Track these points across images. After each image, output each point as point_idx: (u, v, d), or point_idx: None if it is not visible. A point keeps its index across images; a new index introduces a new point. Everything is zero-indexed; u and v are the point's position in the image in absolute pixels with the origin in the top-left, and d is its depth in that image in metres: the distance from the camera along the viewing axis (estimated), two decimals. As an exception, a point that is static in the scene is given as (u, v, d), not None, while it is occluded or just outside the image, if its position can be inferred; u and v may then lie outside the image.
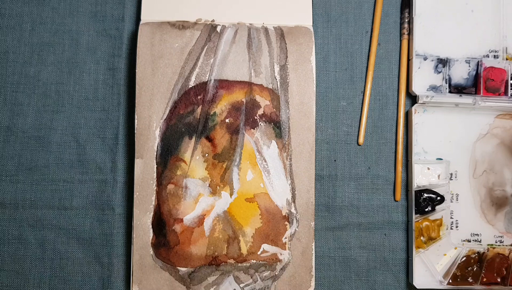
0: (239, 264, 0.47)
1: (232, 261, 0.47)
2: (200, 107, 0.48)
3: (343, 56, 0.53)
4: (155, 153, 0.47)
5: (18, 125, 0.51)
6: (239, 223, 0.47)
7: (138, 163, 0.47)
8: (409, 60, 0.52)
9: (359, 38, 0.53)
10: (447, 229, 0.50)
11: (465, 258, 0.50)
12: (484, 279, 0.49)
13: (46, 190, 0.50)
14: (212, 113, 0.48)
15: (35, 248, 0.50)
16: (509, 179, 0.51)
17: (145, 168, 0.47)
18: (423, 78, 0.51)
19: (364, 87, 0.53)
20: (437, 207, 0.50)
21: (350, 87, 0.53)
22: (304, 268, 0.47)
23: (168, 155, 0.47)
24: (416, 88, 0.51)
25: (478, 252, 0.50)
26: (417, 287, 0.49)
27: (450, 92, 0.51)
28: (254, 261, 0.47)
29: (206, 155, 0.47)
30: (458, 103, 0.50)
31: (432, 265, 0.50)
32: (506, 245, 0.51)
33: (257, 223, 0.47)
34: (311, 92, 0.48)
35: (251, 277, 0.47)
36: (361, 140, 0.52)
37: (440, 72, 0.51)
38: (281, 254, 0.47)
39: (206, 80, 0.48)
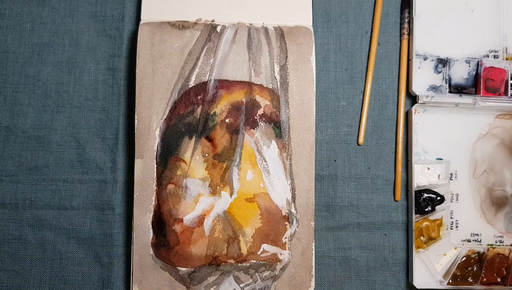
0: (239, 264, 0.47)
1: (232, 261, 0.47)
2: (200, 107, 0.48)
3: (343, 56, 0.53)
4: (155, 153, 0.47)
5: (18, 125, 0.51)
6: (239, 223, 0.47)
7: (138, 163, 0.47)
8: (409, 60, 0.52)
9: (359, 38, 0.53)
10: (447, 229, 0.50)
11: (465, 258, 0.50)
12: (484, 279, 0.49)
13: (46, 190, 0.50)
14: (212, 113, 0.48)
15: (35, 248, 0.50)
16: (509, 179, 0.51)
17: (145, 168, 0.47)
18: (423, 78, 0.51)
19: (364, 87, 0.53)
20: (437, 207, 0.50)
21: (350, 87, 0.53)
22: (304, 268, 0.47)
23: (168, 155, 0.47)
24: (416, 88, 0.51)
25: (478, 252, 0.50)
26: (417, 287, 0.49)
27: (450, 92, 0.51)
28: (254, 261, 0.47)
29: (206, 155, 0.48)
30: (458, 103, 0.50)
31: (432, 265, 0.50)
32: (506, 245, 0.51)
33: (257, 223, 0.47)
34: (311, 92, 0.48)
35: (251, 277, 0.47)
36: (361, 140, 0.52)
37: (440, 72, 0.51)
38: (281, 254, 0.47)
39: (206, 80, 0.48)
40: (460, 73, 0.51)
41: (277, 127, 0.48)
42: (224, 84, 0.48)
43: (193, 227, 0.47)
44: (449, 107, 0.51)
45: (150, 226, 0.47)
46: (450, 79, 0.51)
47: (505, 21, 0.52)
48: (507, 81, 0.51)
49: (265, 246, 0.47)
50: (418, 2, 0.51)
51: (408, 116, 0.52)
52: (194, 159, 0.47)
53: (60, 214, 0.50)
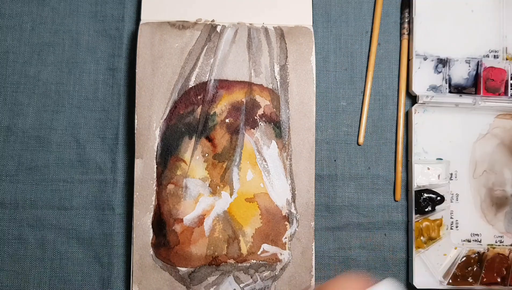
0: (239, 264, 0.47)
1: (232, 261, 0.47)
2: (200, 107, 0.48)
3: (343, 56, 0.53)
4: (155, 153, 0.47)
5: (18, 125, 0.51)
6: (239, 223, 0.47)
7: (138, 163, 0.47)
8: (409, 60, 0.52)
9: (359, 38, 0.53)
10: (447, 229, 0.50)
11: (465, 258, 0.50)
12: (484, 279, 0.49)
13: (46, 190, 0.50)
14: (212, 113, 0.48)
15: (35, 248, 0.50)
16: (509, 179, 0.51)
17: (145, 168, 0.47)
18: (423, 78, 0.51)
19: (364, 87, 0.53)
20: (437, 207, 0.50)
21: (350, 87, 0.53)
22: (304, 268, 0.47)
23: (168, 155, 0.47)
24: (416, 88, 0.51)
25: (478, 252, 0.50)
26: (417, 287, 0.49)
27: (450, 92, 0.51)
28: (254, 261, 0.47)
29: (206, 155, 0.48)
30: (458, 103, 0.50)
31: (432, 265, 0.50)
32: (506, 245, 0.51)
33: (257, 223, 0.47)
34: (311, 92, 0.48)
35: (251, 277, 0.47)
36: (361, 140, 0.52)
37: (440, 72, 0.51)
38: (281, 254, 0.47)
39: (206, 80, 0.48)
40: (460, 73, 0.51)
41: (277, 127, 0.48)
42: (224, 84, 0.48)
43: (193, 227, 0.47)
44: (449, 107, 0.51)
45: (150, 226, 0.47)
46: (450, 79, 0.51)
47: (505, 21, 0.52)
48: (507, 81, 0.51)
49: (265, 246, 0.47)
50: (418, 2, 0.51)
51: (408, 116, 0.52)
52: (194, 159, 0.47)
53: (60, 214, 0.50)
